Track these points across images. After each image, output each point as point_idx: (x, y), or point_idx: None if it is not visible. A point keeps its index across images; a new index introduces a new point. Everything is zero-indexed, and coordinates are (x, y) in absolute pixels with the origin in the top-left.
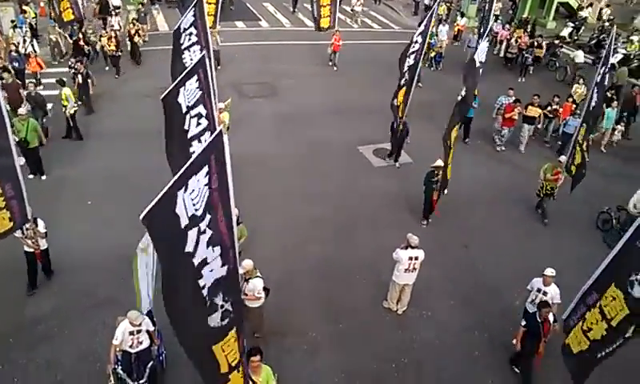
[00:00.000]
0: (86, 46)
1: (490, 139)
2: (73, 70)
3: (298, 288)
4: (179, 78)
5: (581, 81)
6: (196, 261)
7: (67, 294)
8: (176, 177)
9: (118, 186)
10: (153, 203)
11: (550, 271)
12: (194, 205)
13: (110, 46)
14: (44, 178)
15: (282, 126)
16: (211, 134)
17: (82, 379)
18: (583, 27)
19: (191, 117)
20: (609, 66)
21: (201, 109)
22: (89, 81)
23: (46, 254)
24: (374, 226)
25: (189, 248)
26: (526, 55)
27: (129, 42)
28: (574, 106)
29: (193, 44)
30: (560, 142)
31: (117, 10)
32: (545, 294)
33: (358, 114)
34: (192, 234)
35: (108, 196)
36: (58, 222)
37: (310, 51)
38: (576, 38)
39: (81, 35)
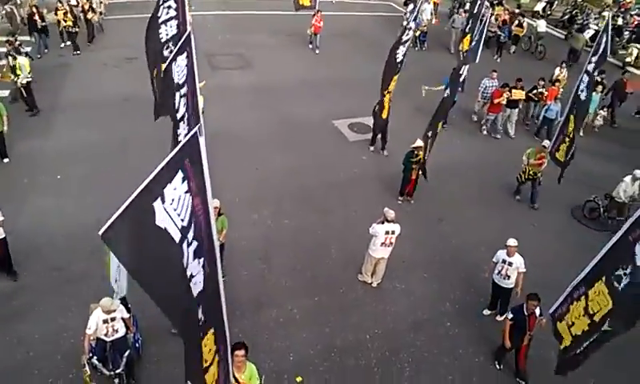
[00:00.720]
0: (39, 21)
1: (465, 115)
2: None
3: (272, 261)
4: (174, 51)
5: (563, 64)
6: (187, 274)
7: (39, 269)
8: (141, 187)
9: (87, 158)
10: (115, 217)
11: (512, 241)
12: (178, 215)
13: (66, 21)
14: (6, 160)
15: (255, 98)
16: (189, 125)
17: (55, 355)
18: (557, 2)
19: (180, 96)
20: (601, 54)
21: (184, 89)
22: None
23: (4, 244)
24: (348, 199)
25: (185, 263)
26: (499, 33)
27: (82, 18)
28: (561, 90)
29: (170, 18)
30: (544, 127)
31: None
32: (510, 264)
33: (333, 87)
34: (185, 246)
35: (77, 169)
36: (26, 198)
37: (284, 21)
38: (549, 13)
39: (34, 9)
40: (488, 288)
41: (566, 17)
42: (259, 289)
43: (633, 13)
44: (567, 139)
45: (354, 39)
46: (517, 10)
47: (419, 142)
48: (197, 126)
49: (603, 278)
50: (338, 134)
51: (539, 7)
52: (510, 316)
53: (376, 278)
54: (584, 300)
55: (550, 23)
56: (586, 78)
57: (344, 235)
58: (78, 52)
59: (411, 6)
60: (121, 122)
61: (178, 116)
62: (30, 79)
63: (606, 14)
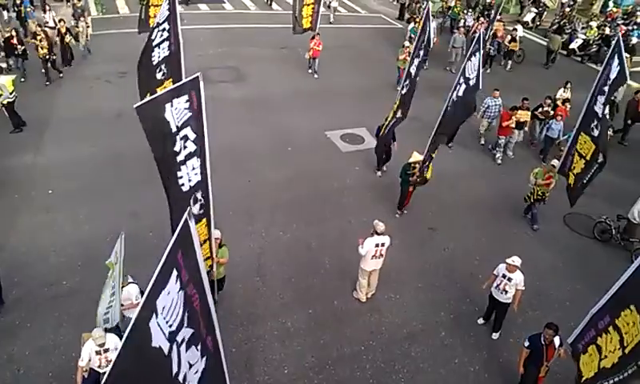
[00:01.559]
0: (19, 46)
1: (464, 129)
2: None
3: (267, 274)
4: (163, 93)
5: (568, 85)
6: (181, 377)
7: (29, 285)
8: (138, 308)
9: (78, 174)
10: (116, 358)
11: (511, 260)
12: (167, 322)
13: (42, 49)
14: None
15: (249, 111)
16: (202, 172)
17: (46, 372)
18: (546, 13)
19: (180, 138)
20: (612, 74)
21: (188, 131)
22: None
23: None
24: (341, 210)
25: (175, 369)
26: (489, 47)
27: (58, 42)
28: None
29: (163, 40)
30: (548, 146)
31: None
32: (510, 280)
33: (325, 99)
34: (174, 355)
35: (68, 184)
36: (17, 213)
37: (276, 35)
38: (538, 23)
39: (14, 32)
40: (483, 297)
41: (554, 27)
42: (254, 301)
43: (619, 22)
44: (578, 159)
45: (345, 51)
46: (499, 16)
47: (415, 156)
48: (187, 211)
49: (631, 307)
50: (330, 145)
51: (529, 18)
52: (527, 344)
53: (370, 289)
54: (615, 332)
55: (539, 33)
56: (601, 98)
57: (338, 246)
58: (48, 82)
59: (412, 24)
60: (113, 137)
61: (178, 159)
62: (11, 99)
63: (593, 23)
